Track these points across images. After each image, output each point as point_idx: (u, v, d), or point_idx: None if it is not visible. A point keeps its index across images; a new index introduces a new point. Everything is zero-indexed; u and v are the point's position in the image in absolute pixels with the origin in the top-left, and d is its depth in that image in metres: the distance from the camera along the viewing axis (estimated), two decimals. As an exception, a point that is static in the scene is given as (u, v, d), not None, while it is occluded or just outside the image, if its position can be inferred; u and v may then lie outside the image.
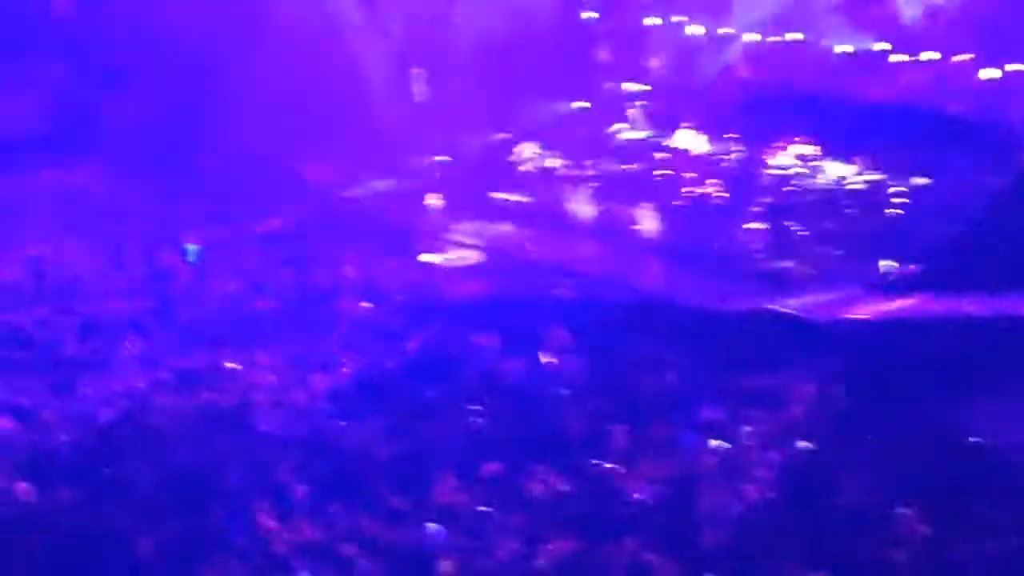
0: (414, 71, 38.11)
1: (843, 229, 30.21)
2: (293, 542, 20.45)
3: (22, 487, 22.63)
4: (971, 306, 26.05)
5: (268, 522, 20.85)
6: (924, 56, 33.11)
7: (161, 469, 23.29)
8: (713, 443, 22.23)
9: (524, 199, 34.51)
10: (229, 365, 27.16)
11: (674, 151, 34.02)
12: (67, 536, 20.98)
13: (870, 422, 22.40)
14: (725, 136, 33.71)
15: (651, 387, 24.79)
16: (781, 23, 35.28)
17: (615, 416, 23.31)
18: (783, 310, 27.56)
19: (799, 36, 34.84)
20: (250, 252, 34.01)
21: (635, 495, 20.84)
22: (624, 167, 34.37)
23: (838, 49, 34.10)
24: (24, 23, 38.92)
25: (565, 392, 25.02)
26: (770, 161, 32.38)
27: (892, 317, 26.71)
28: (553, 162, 34.80)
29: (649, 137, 35.52)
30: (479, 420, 23.95)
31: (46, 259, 33.62)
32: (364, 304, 30.14)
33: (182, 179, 36.67)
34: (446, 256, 32.48)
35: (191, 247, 33.34)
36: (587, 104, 37.52)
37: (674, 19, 37.15)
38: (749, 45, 35.78)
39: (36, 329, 30.33)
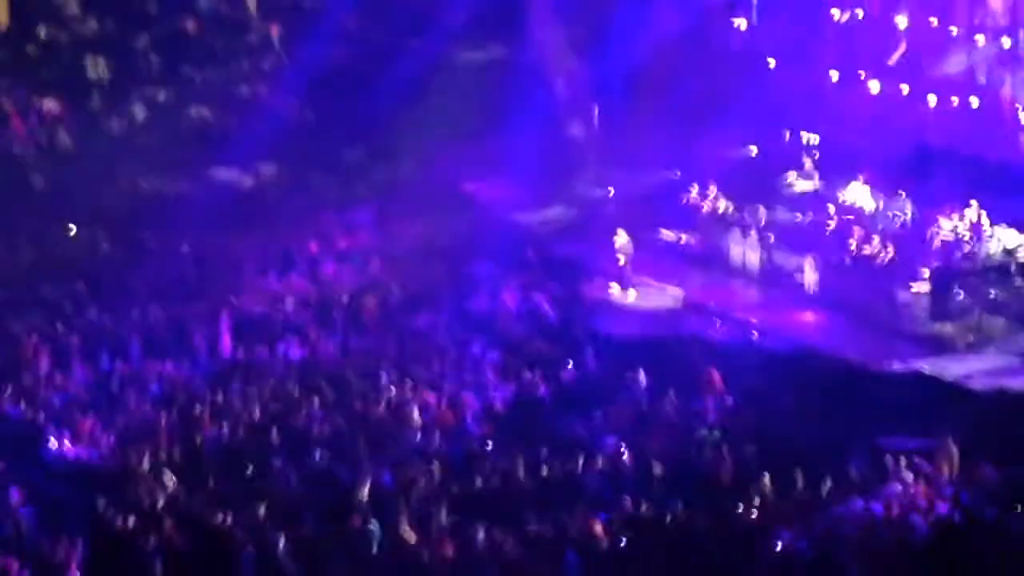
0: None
1: (1009, 300, 29.84)
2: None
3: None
4: None
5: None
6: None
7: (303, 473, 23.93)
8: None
9: (691, 239, 34.52)
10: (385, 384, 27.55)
11: (844, 204, 33.82)
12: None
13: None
14: (895, 192, 33.46)
15: (797, 438, 24.66)
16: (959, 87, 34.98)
17: (761, 463, 23.28)
18: (939, 376, 27.36)
19: (977, 100, 34.46)
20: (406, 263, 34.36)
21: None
22: (794, 216, 34.28)
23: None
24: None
25: (714, 434, 25.04)
26: (940, 223, 32.10)
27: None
28: (723, 204, 34.75)
29: (820, 188, 35.36)
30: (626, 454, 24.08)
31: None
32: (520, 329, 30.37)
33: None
34: (609, 289, 32.60)
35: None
36: (757, 149, 37.50)
37: (860, 73, 36.99)
38: (926, 107, 35.49)
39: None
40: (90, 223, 36.49)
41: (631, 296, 32.14)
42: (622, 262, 32.41)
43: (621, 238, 32.51)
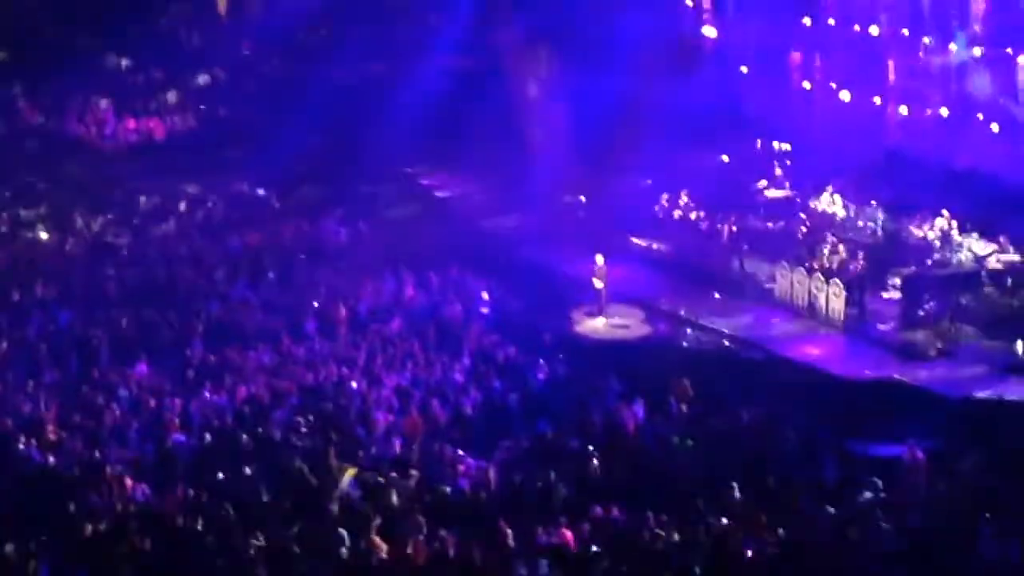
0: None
1: (979, 307, 29.94)
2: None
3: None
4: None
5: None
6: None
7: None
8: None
9: (662, 247, 34.57)
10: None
11: (814, 211, 33.94)
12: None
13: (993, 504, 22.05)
14: (865, 201, 33.59)
15: (768, 446, 24.67)
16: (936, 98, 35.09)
17: (731, 471, 23.27)
18: (909, 382, 27.43)
19: (945, 111, 34.60)
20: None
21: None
22: (762, 223, 34.38)
23: (994, 127, 33.70)
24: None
25: (683, 442, 25.03)
26: (911, 231, 32.24)
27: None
28: (694, 213, 34.82)
29: (789, 195, 35.48)
30: (594, 462, 24.04)
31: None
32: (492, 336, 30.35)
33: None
34: (581, 302, 32.55)
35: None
36: (728, 158, 37.62)
37: (831, 85, 37.13)
38: (897, 116, 35.64)
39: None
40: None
41: (603, 322, 31.97)
42: (599, 286, 32.26)
43: (598, 263, 32.39)
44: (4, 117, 42.46)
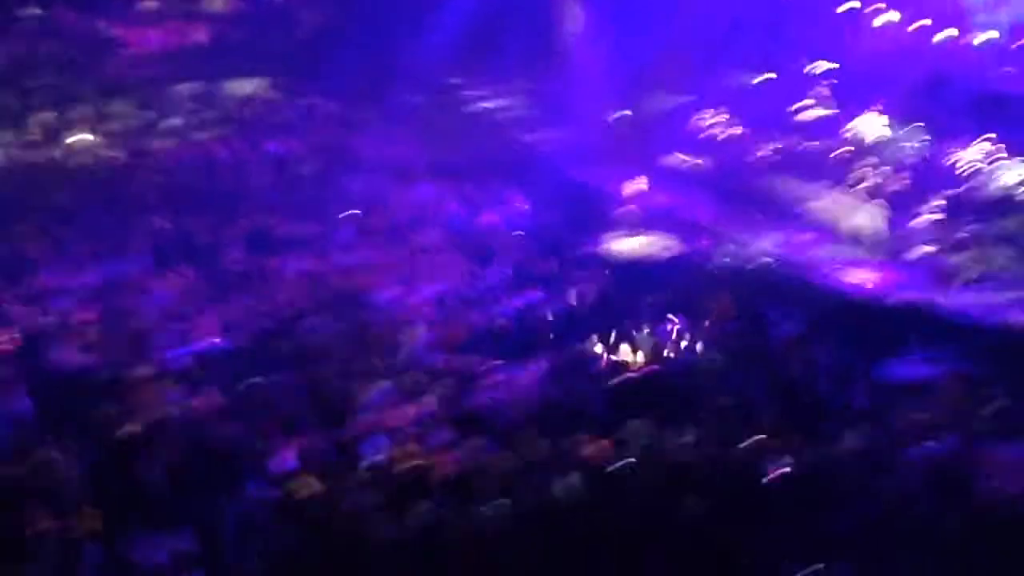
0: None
1: (1021, 232, 29.75)
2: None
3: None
4: None
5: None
6: None
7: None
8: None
9: (700, 163, 34.42)
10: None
11: (857, 132, 33.72)
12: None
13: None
14: (911, 123, 33.34)
15: (800, 368, 24.64)
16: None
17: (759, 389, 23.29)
18: (943, 307, 27.34)
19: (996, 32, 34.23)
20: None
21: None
22: (804, 144, 34.17)
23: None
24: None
25: (717, 359, 25.05)
26: (952, 154, 32.02)
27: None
28: (734, 130, 34.64)
29: (834, 115, 35.22)
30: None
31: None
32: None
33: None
34: (620, 218, 32.46)
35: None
36: (774, 76, 37.30)
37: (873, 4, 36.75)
38: (946, 38, 35.28)
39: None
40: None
41: (641, 240, 31.87)
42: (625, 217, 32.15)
43: (638, 181, 32.14)
44: (40, 20, 42.20)
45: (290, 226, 31.57)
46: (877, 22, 36.56)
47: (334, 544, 19.66)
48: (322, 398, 23.51)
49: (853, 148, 33.04)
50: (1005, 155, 31.44)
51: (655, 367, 24.88)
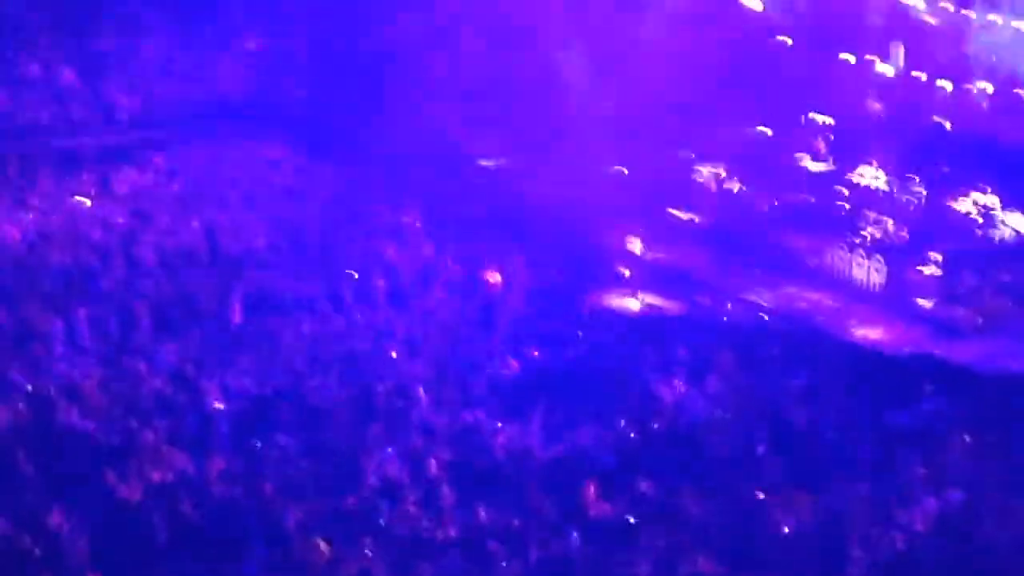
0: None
1: (1019, 283, 29.83)
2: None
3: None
4: None
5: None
6: None
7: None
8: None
9: (699, 219, 34.49)
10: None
11: (855, 186, 33.83)
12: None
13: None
14: (907, 176, 33.47)
15: (804, 421, 24.65)
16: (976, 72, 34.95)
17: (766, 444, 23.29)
18: (947, 358, 27.37)
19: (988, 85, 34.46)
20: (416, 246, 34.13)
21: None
22: (804, 197, 34.27)
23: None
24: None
25: (720, 415, 25.04)
26: (950, 206, 32.14)
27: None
28: (732, 185, 34.74)
29: (831, 169, 35.35)
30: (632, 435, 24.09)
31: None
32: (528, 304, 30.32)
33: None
34: (617, 268, 32.46)
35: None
36: (770, 131, 37.46)
37: (867, 56, 37.00)
38: (939, 90, 35.50)
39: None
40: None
41: (640, 297, 31.81)
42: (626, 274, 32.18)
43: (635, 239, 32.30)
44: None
45: (292, 286, 31.47)
46: (872, 74, 36.84)
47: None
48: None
49: (851, 201, 33.12)
50: (1000, 206, 31.60)
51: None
